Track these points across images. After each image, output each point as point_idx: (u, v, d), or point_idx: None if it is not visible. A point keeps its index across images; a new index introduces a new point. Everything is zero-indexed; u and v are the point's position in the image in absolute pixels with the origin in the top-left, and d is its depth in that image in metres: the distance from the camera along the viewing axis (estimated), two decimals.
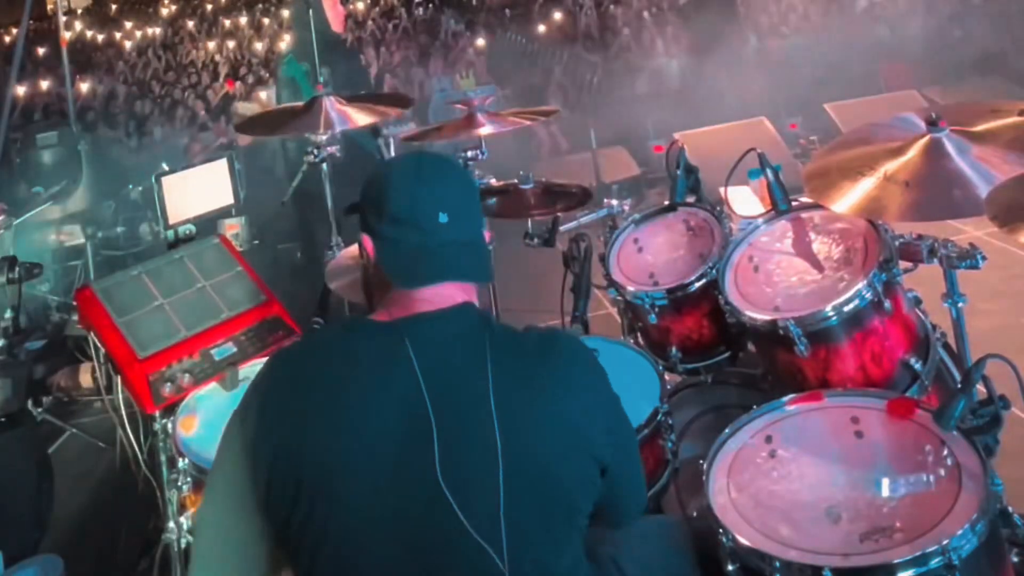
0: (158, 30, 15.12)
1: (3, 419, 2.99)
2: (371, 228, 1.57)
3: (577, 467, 1.49)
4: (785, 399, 2.01)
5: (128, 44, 14.39)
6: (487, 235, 1.64)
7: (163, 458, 2.67)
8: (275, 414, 1.46)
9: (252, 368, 2.61)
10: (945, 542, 1.56)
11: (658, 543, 1.86)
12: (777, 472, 1.84)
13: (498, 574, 1.39)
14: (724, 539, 1.72)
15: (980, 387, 1.70)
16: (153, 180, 2.99)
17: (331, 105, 3.33)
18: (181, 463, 2.50)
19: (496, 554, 1.39)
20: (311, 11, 5.32)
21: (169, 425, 2.61)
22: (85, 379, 3.83)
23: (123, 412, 2.74)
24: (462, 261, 1.55)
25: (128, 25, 15.99)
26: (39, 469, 3.17)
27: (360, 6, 13.76)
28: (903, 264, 2.22)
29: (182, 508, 2.54)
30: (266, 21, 14.79)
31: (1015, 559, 1.73)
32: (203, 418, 2.52)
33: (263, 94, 9.70)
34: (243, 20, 15.02)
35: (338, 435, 1.42)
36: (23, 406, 3.12)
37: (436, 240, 1.53)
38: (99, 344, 2.66)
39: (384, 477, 1.40)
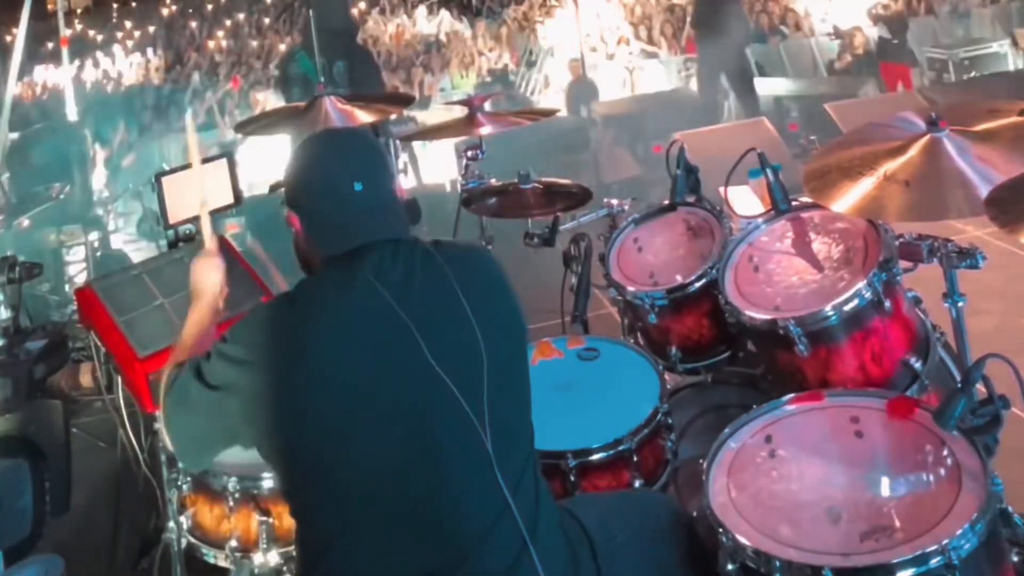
0: (158, 29, 15.12)
1: (40, 392, 3.02)
2: (295, 204, 1.75)
3: (524, 347, 1.79)
4: (785, 399, 2.01)
5: (128, 43, 14.39)
6: (402, 191, 1.83)
7: (163, 458, 2.67)
8: (267, 360, 1.60)
9: None
10: (945, 542, 1.56)
11: (620, 507, 1.96)
12: (777, 472, 1.84)
13: (482, 445, 1.60)
14: (724, 539, 1.72)
15: (980, 387, 1.70)
16: (153, 180, 2.98)
17: (331, 105, 3.32)
18: (181, 463, 2.50)
19: (480, 427, 1.61)
20: (312, 10, 5.31)
21: None
22: (85, 379, 3.83)
23: (123, 412, 2.74)
24: (380, 223, 1.72)
25: (128, 25, 15.98)
26: (67, 442, 3.20)
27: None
28: (903, 264, 2.22)
29: (182, 508, 2.54)
30: (266, 20, 14.78)
31: (1015, 559, 1.73)
32: None
33: (260, 96, 9.69)
34: (242, 18, 15.01)
35: (327, 361, 1.58)
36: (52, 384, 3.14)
37: (354, 208, 1.70)
38: (99, 344, 2.66)
39: (378, 376, 1.59)
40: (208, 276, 2.05)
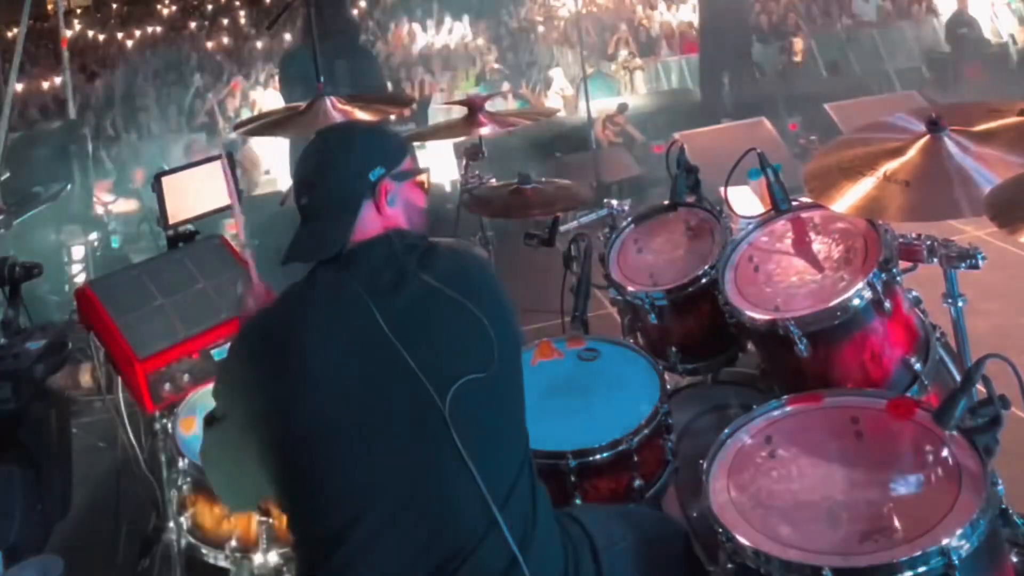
0: (159, 29, 15.11)
1: (40, 394, 3.00)
2: (296, 199, 1.76)
3: (519, 356, 1.78)
4: (785, 399, 2.01)
5: (129, 43, 14.39)
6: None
7: (163, 458, 2.66)
8: (256, 372, 1.62)
9: None
10: (945, 542, 1.56)
11: (621, 517, 1.95)
12: (777, 472, 1.84)
13: (467, 463, 1.58)
14: (724, 539, 1.72)
15: (980, 387, 1.70)
16: (153, 180, 2.98)
17: (331, 105, 3.32)
18: (181, 463, 2.50)
19: (462, 440, 1.58)
20: (312, 10, 5.30)
21: (169, 425, 2.61)
22: (85, 379, 3.82)
23: (123, 412, 2.73)
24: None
25: (128, 25, 15.98)
26: (64, 446, 3.19)
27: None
28: (903, 264, 2.22)
29: (182, 508, 2.54)
30: (266, 20, 14.75)
31: (1015, 559, 1.73)
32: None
33: (260, 96, 9.69)
34: (242, 18, 15.00)
35: (315, 373, 1.58)
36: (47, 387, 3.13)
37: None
38: (99, 344, 2.66)
39: (365, 390, 1.59)
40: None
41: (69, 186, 6.45)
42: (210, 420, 1.72)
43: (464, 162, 3.33)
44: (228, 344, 1.77)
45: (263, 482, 1.65)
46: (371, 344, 1.60)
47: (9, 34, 11.80)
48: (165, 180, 2.97)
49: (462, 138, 3.53)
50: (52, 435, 3.03)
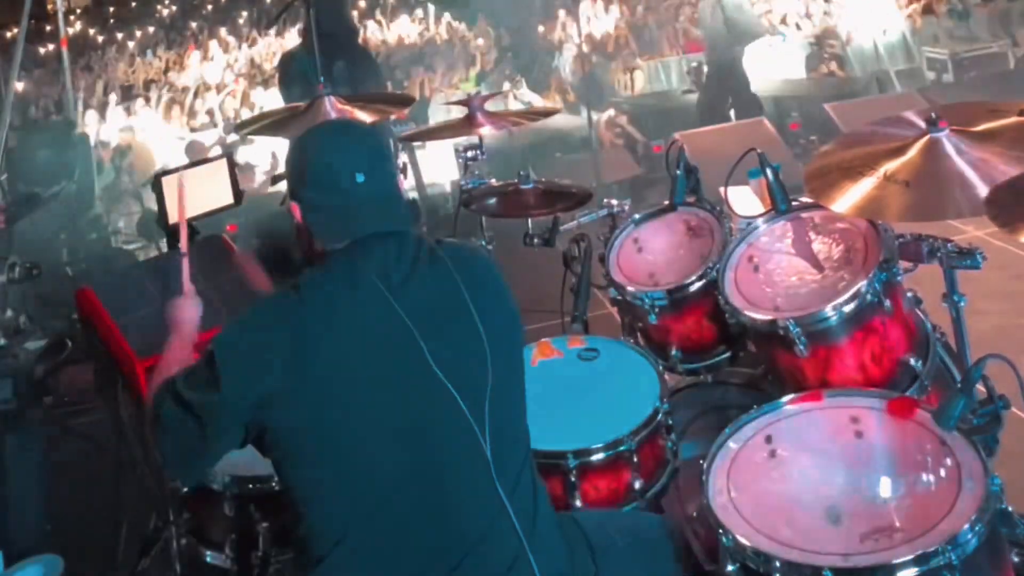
0: (159, 29, 15.12)
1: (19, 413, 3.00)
2: (297, 195, 1.73)
3: (522, 351, 1.81)
4: (785, 399, 2.01)
5: (129, 44, 14.39)
6: (402, 183, 1.83)
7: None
8: (271, 358, 1.59)
9: None
10: (945, 542, 1.56)
11: (618, 520, 1.98)
12: (777, 472, 1.85)
13: (480, 448, 1.61)
14: (724, 539, 1.72)
15: (980, 387, 1.70)
16: (153, 180, 2.98)
17: (331, 105, 3.32)
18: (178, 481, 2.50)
19: (479, 431, 1.61)
20: (311, 9, 5.29)
21: None
22: (85, 379, 3.83)
23: (123, 412, 2.73)
24: (382, 214, 1.70)
25: (128, 24, 15.98)
26: (45, 463, 3.18)
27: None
28: (903, 264, 2.22)
29: (182, 508, 2.54)
30: (266, 20, 14.75)
31: (1015, 559, 1.74)
32: None
33: (260, 96, 9.68)
34: (243, 18, 15.01)
35: (331, 363, 1.58)
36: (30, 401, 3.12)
37: (355, 198, 1.67)
38: (99, 344, 2.66)
39: (379, 378, 1.60)
40: (188, 314, 2.13)
41: (69, 186, 6.46)
42: (180, 398, 1.63)
43: (464, 162, 3.33)
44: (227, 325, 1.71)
45: (217, 459, 1.70)
46: (388, 334, 1.61)
47: (9, 34, 11.80)
48: (165, 180, 2.97)
49: (462, 138, 3.53)
50: (24, 466, 3.02)
